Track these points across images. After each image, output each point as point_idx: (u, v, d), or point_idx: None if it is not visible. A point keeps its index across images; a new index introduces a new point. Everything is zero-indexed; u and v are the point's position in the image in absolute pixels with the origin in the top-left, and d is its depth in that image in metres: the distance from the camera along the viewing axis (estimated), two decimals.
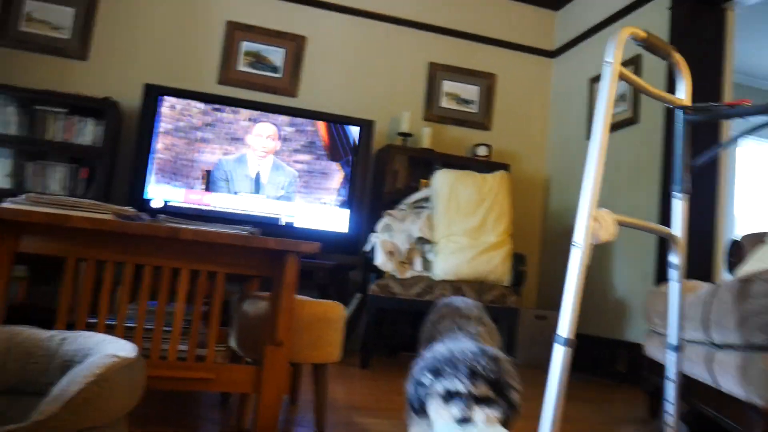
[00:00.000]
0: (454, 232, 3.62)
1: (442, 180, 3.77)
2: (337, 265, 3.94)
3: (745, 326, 1.42)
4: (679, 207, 1.67)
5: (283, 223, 3.96)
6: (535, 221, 4.92)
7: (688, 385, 2.00)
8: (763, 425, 1.35)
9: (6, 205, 1.53)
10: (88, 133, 3.75)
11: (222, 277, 1.62)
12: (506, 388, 1.31)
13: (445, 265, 3.54)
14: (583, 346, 4.22)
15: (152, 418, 1.83)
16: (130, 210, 1.56)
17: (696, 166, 1.68)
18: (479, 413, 1.27)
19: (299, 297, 1.79)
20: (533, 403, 1.52)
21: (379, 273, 3.60)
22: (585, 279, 4.12)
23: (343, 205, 4.07)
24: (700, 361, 1.78)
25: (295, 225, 3.97)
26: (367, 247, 3.68)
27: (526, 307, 4.52)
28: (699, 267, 3.46)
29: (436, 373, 1.32)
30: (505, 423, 1.30)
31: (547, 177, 4.95)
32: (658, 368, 2.52)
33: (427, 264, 3.66)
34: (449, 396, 1.29)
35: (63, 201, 1.57)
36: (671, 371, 1.67)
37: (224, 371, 1.57)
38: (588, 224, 1.36)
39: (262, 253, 1.62)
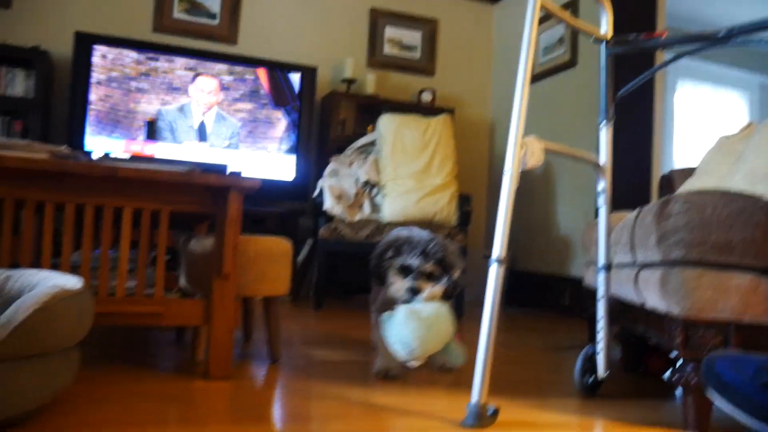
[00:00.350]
0: (401, 175, 3.68)
1: (387, 124, 3.81)
2: (287, 212, 3.96)
3: (663, 243, 1.52)
4: (603, 136, 1.76)
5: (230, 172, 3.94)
6: (481, 164, 5.02)
7: (620, 307, 2.13)
8: (682, 333, 1.47)
9: None
10: (18, 84, 3.62)
11: (166, 214, 1.64)
12: (450, 267, 1.75)
13: (393, 207, 3.61)
14: (530, 282, 4.40)
15: (109, 356, 1.86)
16: (65, 149, 1.55)
17: (620, 96, 1.76)
18: (426, 287, 1.70)
19: (245, 235, 1.82)
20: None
21: (329, 218, 3.65)
22: (530, 219, 4.30)
23: (289, 152, 4.07)
24: (628, 283, 1.89)
25: (243, 174, 3.95)
26: (316, 193, 3.71)
27: (474, 248, 4.65)
28: (637, 201, 3.62)
29: (397, 250, 1.73)
30: (447, 293, 1.78)
31: (492, 121, 5.03)
32: (595, 296, 2.66)
33: (375, 207, 3.72)
34: (404, 269, 1.72)
35: None
36: (601, 290, 1.79)
37: (173, 305, 1.60)
38: (516, 151, 1.43)
39: (204, 190, 1.64)
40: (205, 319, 1.61)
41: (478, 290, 4.32)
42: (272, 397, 1.51)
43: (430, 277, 1.70)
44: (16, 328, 1.03)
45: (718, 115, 6.13)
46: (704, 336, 1.46)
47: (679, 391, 1.93)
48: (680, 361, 1.48)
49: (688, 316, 1.44)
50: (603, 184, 1.75)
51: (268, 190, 3.86)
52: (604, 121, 1.75)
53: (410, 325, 1.63)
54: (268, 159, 4.02)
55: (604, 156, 1.75)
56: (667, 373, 2.26)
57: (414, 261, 1.71)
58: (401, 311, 1.67)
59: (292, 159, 4.06)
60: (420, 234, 1.77)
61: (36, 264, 1.53)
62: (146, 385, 1.55)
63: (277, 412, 1.38)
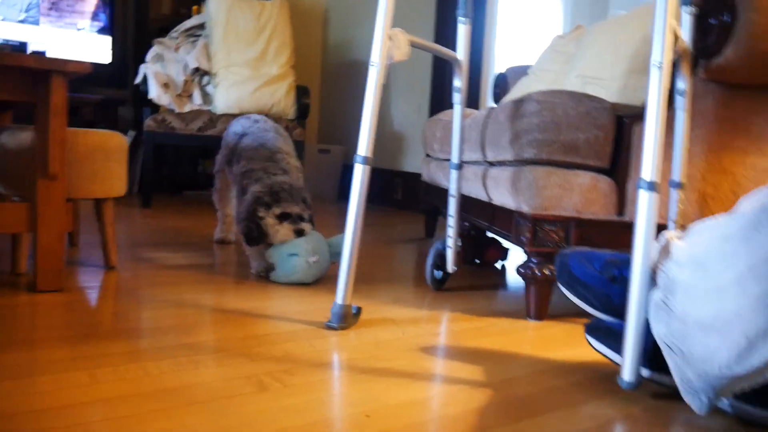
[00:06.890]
0: (234, 63, 3.43)
1: (218, 5, 3.48)
2: (105, 100, 3.56)
3: (517, 142, 1.56)
4: (462, 31, 1.73)
5: (32, 52, 3.41)
6: (315, 54, 4.85)
7: (465, 204, 2.21)
8: (531, 229, 1.54)
9: None
10: None
11: None
12: (310, 205, 1.87)
13: (227, 97, 3.38)
14: None
15: None
16: None
17: None
18: (305, 226, 1.80)
19: (71, 128, 1.58)
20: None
21: (154, 107, 3.33)
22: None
23: (102, 31, 3.59)
24: (476, 179, 1.95)
25: (48, 55, 3.44)
26: (138, 80, 3.34)
27: (310, 142, 4.57)
28: (469, 99, 3.73)
29: (268, 205, 1.76)
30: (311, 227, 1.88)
31: (326, 8, 4.83)
32: (435, 191, 2.75)
33: (206, 97, 3.45)
34: (282, 217, 1.77)
35: None
36: (453, 189, 1.82)
37: None
38: (383, 43, 1.35)
39: (19, 74, 1.36)
40: (30, 226, 1.39)
41: (313, 186, 4.29)
42: (116, 310, 1.37)
43: (302, 219, 1.80)
44: None
45: (536, 15, 6.40)
46: (549, 231, 1.55)
47: (514, 281, 2.09)
48: (526, 256, 1.58)
49: (537, 213, 1.52)
50: (459, 81, 1.74)
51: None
52: (463, 18, 1.72)
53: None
54: (78, 38, 3.52)
55: (463, 52, 1.73)
56: (500, 263, 2.44)
57: (293, 207, 1.78)
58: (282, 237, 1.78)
59: (107, 40, 3.60)
60: (281, 181, 1.81)
61: None
62: None
63: (123, 325, 1.25)
